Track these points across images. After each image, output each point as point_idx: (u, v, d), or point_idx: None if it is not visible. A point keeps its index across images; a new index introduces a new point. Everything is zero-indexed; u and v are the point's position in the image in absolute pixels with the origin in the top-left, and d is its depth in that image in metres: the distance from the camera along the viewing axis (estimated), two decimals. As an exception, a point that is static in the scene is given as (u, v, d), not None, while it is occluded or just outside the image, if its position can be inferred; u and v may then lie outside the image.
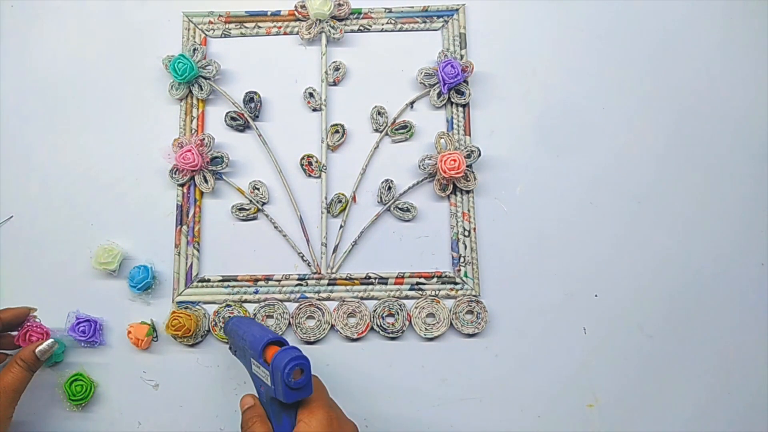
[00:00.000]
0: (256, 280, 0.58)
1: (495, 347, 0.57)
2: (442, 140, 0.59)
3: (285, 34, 0.62)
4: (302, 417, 0.43)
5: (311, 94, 0.61)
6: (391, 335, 0.56)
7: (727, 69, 0.62)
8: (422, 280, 0.58)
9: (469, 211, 0.59)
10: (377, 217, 0.59)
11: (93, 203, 0.59)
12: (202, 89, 0.60)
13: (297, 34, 0.62)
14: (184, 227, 0.58)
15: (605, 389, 0.56)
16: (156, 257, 0.58)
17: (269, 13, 0.62)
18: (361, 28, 0.62)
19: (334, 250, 0.58)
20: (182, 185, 0.59)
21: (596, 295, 0.58)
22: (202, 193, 0.59)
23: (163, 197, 0.59)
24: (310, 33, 0.61)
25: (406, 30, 0.63)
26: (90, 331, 0.55)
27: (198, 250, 0.58)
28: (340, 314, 0.56)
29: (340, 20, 0.62)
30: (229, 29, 0.62)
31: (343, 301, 0.57)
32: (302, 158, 0.59)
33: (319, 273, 0.58)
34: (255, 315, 0.57)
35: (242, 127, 0.60)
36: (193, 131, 0.60)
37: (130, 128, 0.61)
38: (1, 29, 0.62)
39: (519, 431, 0.55)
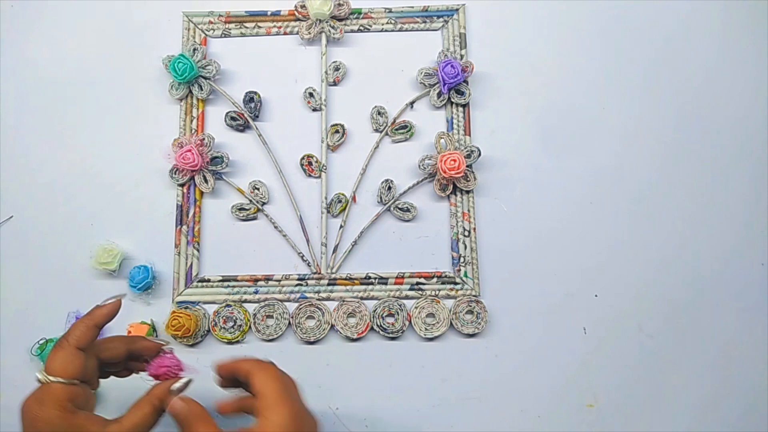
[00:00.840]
0: (256, 280, 0.58)
1: (495, 347, 0.57)
2: (442, 140, 0.59)
3: (285, 34, 0.62)
4: (262, 411, 0.40)
5: (311, 94, 0.61)
6: (391, 335, 0.56)
7: (728, 69, 0.62)
8: (422, 280, 0.58)
9: (469, 211, 0.59)
10: (377, 217, 0.59)
11: (93, 203, 0.59)
12: (202, 89, 0.60)
13: (297, 34, 0.62)
14: (184, 227, 0.58)
15: (605, 389, 0.56)
16: (156, 257, 0.58)
17: (269, 13, 0.62)
18: (361, 28, 0.62)
19: (334, 250, 0.58)
20: (182, 185, 0.59)
21: (596, 295, 0.58)
22: (202, 193, 0.59)
23: (163, 197, 0.59)
24: (310, 33, 0.61)
25: (406, 30, 0.63)
26: (90, 331, 0.55)
27: (198, 250, 0.58)
28: (340, 314, 0.56)
29: (340, 20, 0.62)
30: (229, 29, 0.62)
31: (343, 301, 0.57)
32: (302, 158, 0.59)
33: (319, 273, 0.58)
34: (255, 315, 0.57)
35: (242, 127, 0.60)
36: (193, 131, 0.60)
37: (130, 128, 0.61)
38: (1, 29, 0.63)
39: (519, 431, 0.55)
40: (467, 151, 0.58)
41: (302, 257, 0.58)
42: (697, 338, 0.57)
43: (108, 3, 0.63)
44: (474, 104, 0.61)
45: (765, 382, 0.57)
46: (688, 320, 0.58)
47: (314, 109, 0.61)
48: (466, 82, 0.60)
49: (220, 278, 0.58)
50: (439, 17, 0.62)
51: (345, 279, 0.58)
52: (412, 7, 0.62)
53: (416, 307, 0.57)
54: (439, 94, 0.60)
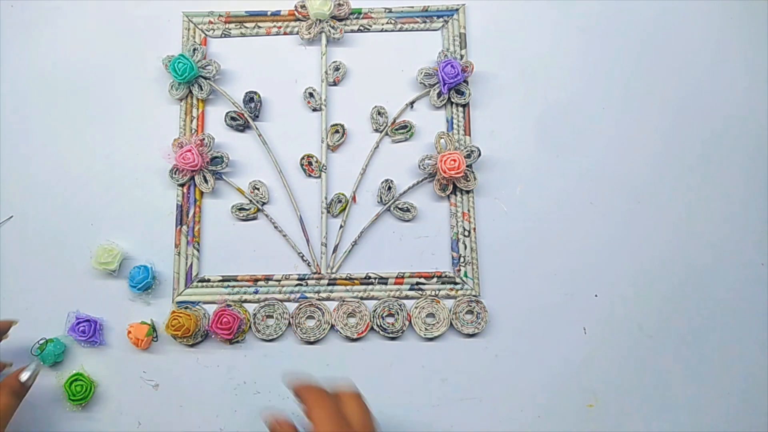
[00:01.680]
0: (256, 280, 0.58)
1: (495, 347, 0.57)
2: (442, 140, 0.59)
3: (285, 34, 0.62)
4: None
5: (311, 94, 0.61)
6: (391, 335, 0.56)
7: (728, 69, 0.62)
8: (422, 280, 0.58)
9: (469, 211, 0.59)
10: (377, 217, 0.59)
11: (93, 203, 0.59)
12: (202, 89, 0.60)
13: (297, 34, 0.62)
14: (184, 227, 0.58)
15: (605, 389, 0.56)
16: (156, 257, 0.58)
17: (269, 13, 0.62)
18: (361, 28, 0.62)
19: (334, 250, 0.58)
20: (182, 185, 0.59)
21: (596, 295, 0.58)
22: (202, 193, 0.59)
23: (163, 197, 0.59)
24: (310, 33, 0.61)
25: (406, 30, 0.63)
26: (90, 331, 0.55)
27: (198, 250, 0.58)
28: (340, 314, 0.56)
29: (340, 20, 0.62)
30: (229, 29, 0.62)
31: (343, 301, 0.57)
32: (302, 158, 0.59)
33: (319, 273, 0.58)
34: (255, 315, 0.57)
35: (242, 127, 0.60)
36: (193, 131, 0.60)
37: (130, 128, 0.61)
38: (2, 29, 0.63)
39: (519, 431, 0.55)
40: (467, 151, 0.58)
41: (302, 257, 0.58)
42: (697, 338, 0.57)
43: (108, 3, 0.63)
44: (474, 104, 0.61)
45: (765, 382, 0.57)
46: (688, 320, 0.58)
47: (314, 109, 0.61)
48: (466, 82, 0.60)
49: (220, 278, 0.58)
50: (439, 17, 0.62)
51: (345, 279, 0.58)
52: (412, 7, 0.62)
53: (416, 307, 0.57)
54: (439, 94, 0.60)
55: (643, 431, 0.56)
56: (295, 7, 0.62)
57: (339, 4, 0.61)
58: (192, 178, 0.59)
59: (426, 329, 0.56)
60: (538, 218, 0.59)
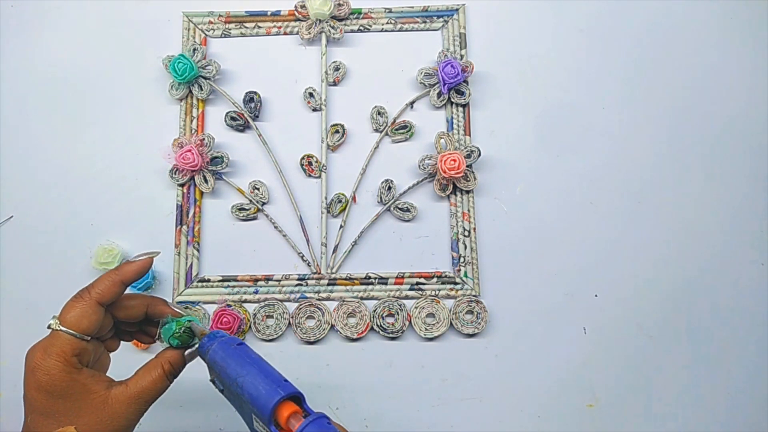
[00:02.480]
0: (256, 280, 0.58)
1: (495, 347, 0.57)
2: (442, 140, 0.59)
3: (285, 34, 0.62)
4: None
5: (311, 94, 0.61)
6: (391, 335, 0.56)
7: (728, 69, 0.62)
8: (422, 280, 0.58)
9: (469, 211, 0.59)
10: (377, 217, 0.59)
11: (93, 203, 0.59)
12: (202, 89, 0.60)
13: (297, 34, 0.62)
14: (184, 227, 0.58)
15: (605, 389, 0.56)
16: (156, 257, 0.58)
17: (269, 13, 0.62)
18: (361, 28, 0.62)
19: (334, 250, 0.58)
20: (182, 185, 0.59)
21: (596, 295, 0.58)
22: (202, 193, 0.59)
23: (163, 197, 0.59)
24: (310, 33, 0.61)
25: (406, 30, 0.63)
26: (90, 331, 0.55)
27: (198, 250, 0.58)
28: (340, 314, 0.56)
29: (340, 20, 0.62)
30: (229, 29, 0.62)
31: (343, 301, 0.57)
32: (302, 158, 0.59)
33: (319, 273, 0.58)
34: (255, 315, 0.56)
35: (242, 127, 0.60)
36: (193, 131, 0.60)
37: (130, 128, 0.61)
38: (2, 29, 0.63)
39: (519, 431, 0.55)
40: (467, 151, 0.58)
41: (302, 257, 0.58)
42: (696, 338, 0.57)
43: (108, 3, 0.63)
44: (474, 104, 0.61)
45: (765, 382, 0.57)
46: (688, 320, 0.58)
47: (314, 109, 0.61)
48: (466, 82, 0.60)
49: (220, 278, 0.58)
50: (439, 17, 0.62)
51: (345, 279, 0.58)
52: (412, 7, 0.62)
53: (416, 307, 0.57)
54: (439, 94, 0.60)
55: (643, 431, 0.56)
56: (295, 7, 0.62)
57: (339, 4, 0.61)
58: (192, 178, 0.59)
59: (426, 329, 0.56)
60: (538, 218, 0.59)
